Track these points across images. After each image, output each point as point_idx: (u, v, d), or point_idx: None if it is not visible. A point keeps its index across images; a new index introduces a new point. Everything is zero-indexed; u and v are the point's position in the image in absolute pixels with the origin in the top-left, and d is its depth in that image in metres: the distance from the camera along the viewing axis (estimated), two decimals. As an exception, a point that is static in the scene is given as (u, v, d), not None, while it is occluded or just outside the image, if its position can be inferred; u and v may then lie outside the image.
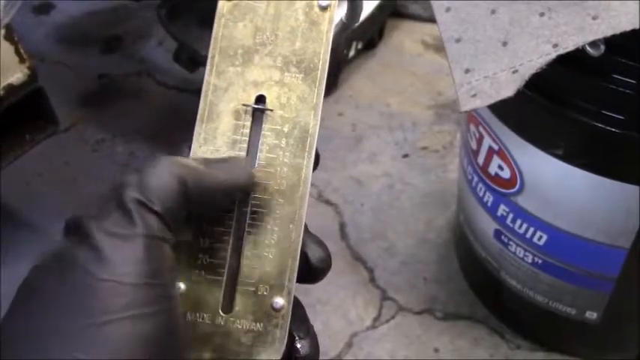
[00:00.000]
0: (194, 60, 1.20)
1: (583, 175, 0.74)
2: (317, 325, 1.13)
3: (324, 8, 0.35)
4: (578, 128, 0.71)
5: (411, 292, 1.09)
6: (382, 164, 1.27)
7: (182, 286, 0.34)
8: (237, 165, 0.33)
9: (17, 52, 0.84)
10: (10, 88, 0.85)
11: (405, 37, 1.52)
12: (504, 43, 0.60)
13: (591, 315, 0.90)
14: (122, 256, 0.28)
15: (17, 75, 0.85)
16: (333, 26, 0.35)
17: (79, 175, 1.26)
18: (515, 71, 0.58)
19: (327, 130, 1.32)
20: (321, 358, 1.09)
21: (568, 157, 0.74)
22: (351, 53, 1.39)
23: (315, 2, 0.35)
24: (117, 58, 1.52)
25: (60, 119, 1.02)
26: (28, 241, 1.13)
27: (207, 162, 0.33)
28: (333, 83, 1.38)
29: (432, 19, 1.51)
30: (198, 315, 0.34)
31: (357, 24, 0.38)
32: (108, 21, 1.59)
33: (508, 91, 0.56)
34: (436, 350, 1.02)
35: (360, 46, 1.41)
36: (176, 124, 1.27)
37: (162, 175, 0.30)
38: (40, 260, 0.29)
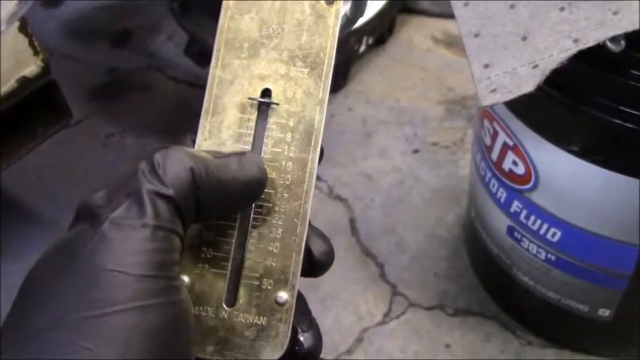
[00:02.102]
0: (205, 54, 1.19)
1: (599, 171, 0.74)
2: (327, 321, 1.12)
3: (330, 2, 0.35)
4: (596, 124, 0.71)
5: (422, 287, 1.09)
6: (392, 160, 1.27)
7: (186, 279, 0.34)
8: (250, 160, 0.33)
9: (31, 44, 0.84)
10: (24, 81, 0.85)
11: (415, 33, 1.52)
12: (524, 38, 0.60)
13: (604, 312, 0.90)
14: (129, 247, 0.27)
15: (31, 67, 0.85)
16: (340, 21, 0.35)
17: (89, 169, 1.26)
18: (535, 66, 0.57)
19: (337, 125, 1.32)
20: (331, 353, 1.08)
21: (584, 154, 0.74)
22: (362, 48, 1.39)
23: None
24: (126, 53, 1.52)
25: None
26: (39, 235, 1.13)
27: (218, 154, 0.32)
28: (343, 78, 1.38)
29: (442, 15, 1.52)
30: (201, 308, 0.34)
31: (361, 17, 0.38)
32: (117, 15, 1.59)
33: (529, 86, 0.56)
34: (447, 346, 1.02)
35: (370, 41, 1.41)
36: (186, 118, 1.27)
37: (176, 164, 0.29)
38: (45, 252, 0.29)
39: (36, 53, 0.85)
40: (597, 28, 0.57)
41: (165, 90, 1.44)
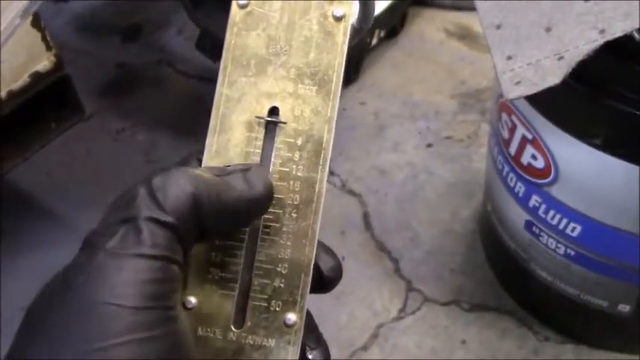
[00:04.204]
0: (217, 48, 1.18)
1: (621, 165, 0.73)
2: (342, 317, 1.12)
3: (338, 19, 0.34)
4: (618, 117, 0.69)
5: (437, 283, 1.08)
6: (406, 154, 1.26)
7: (193, 300, 0.33)
8: (255, 174, 0.32)
9: (44, 39, 0.83)
10: (37, 76, 0.84)
11: (427, 26, 1.50)
12: (548, 29, 0.59)
13: (624, 308, 0.89)
14: (124, 278, 0.27)
15: (44, 62, 0.84)
16: (348, 37, 0.35)
17: (101, 165, 1.26)
18: (560, 58, 0.56)
19: (350, 119, 1.31)
20: (346, 349, 1.07)
21: (606, 147, 0.72)
22: (374, 42, 1.38)
23: (330, 12, 0.34)
24: (136, 47, 1.51)
25: (81, 108, 1.01)
26: (51, 231, 1.12)
27: (222, 172, 0.31)
28: (355, 72, 1.37)
29: (454, 7, 1.50)
30: (209, 330, 0.33)
31: (368, 28, 0.37)
32: (127, 9, 1.58)
33: (555, 78, 0.55)
34: (463, 342, 1.01)
35: (382, 34, 1.39)
36: (196, 113, 1.25)
37: (176, 188, 0.28)
38: (44, 284, 0.28)
39: (49, 48, 0.85)
40: (624, 19, 0.56)
41: (176, 85, 1.43)
